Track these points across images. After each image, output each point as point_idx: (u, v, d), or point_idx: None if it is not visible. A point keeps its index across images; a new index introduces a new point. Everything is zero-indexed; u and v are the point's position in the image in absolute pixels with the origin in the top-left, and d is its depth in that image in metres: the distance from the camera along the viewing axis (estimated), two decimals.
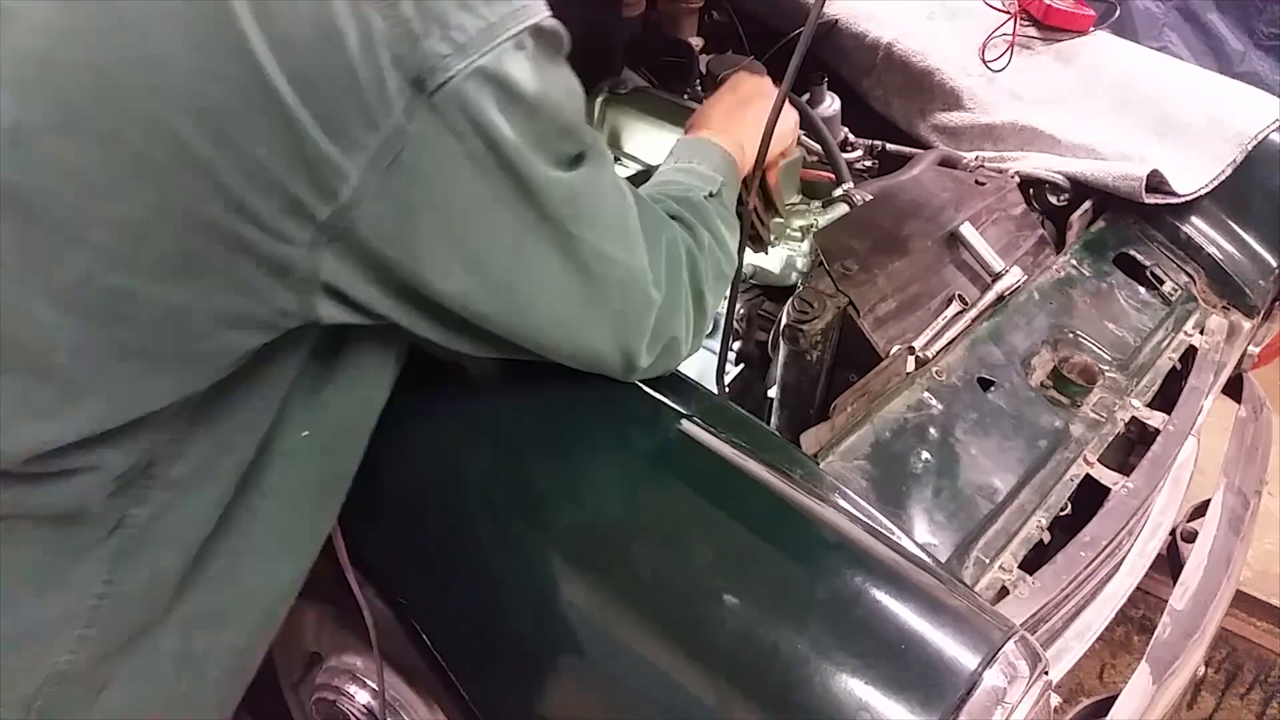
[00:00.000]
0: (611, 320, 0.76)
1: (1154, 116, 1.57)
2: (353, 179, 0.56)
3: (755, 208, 1.18)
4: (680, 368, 0.92)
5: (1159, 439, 1.19)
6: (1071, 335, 1.27)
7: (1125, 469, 1.14)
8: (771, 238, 1.27)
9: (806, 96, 1.57)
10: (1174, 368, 1.33)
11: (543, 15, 0.62)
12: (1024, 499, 1.04)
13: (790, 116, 1.19)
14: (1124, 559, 1.15)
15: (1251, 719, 1.90)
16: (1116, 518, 1.08)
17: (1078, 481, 1.09)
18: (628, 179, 0.81)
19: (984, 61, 1.70)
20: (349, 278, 0.61)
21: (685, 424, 0.85)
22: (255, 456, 0.70)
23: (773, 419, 1.20)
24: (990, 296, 1.26)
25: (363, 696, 1.11)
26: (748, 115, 1.08)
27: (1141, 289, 1.41)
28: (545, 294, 0.70)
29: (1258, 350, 1.54)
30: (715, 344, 1.16)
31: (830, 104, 1.60)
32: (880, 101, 1.76)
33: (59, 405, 0.59)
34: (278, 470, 0.72)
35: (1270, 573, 2.14)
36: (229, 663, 0.80)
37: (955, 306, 1.24)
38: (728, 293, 1.02)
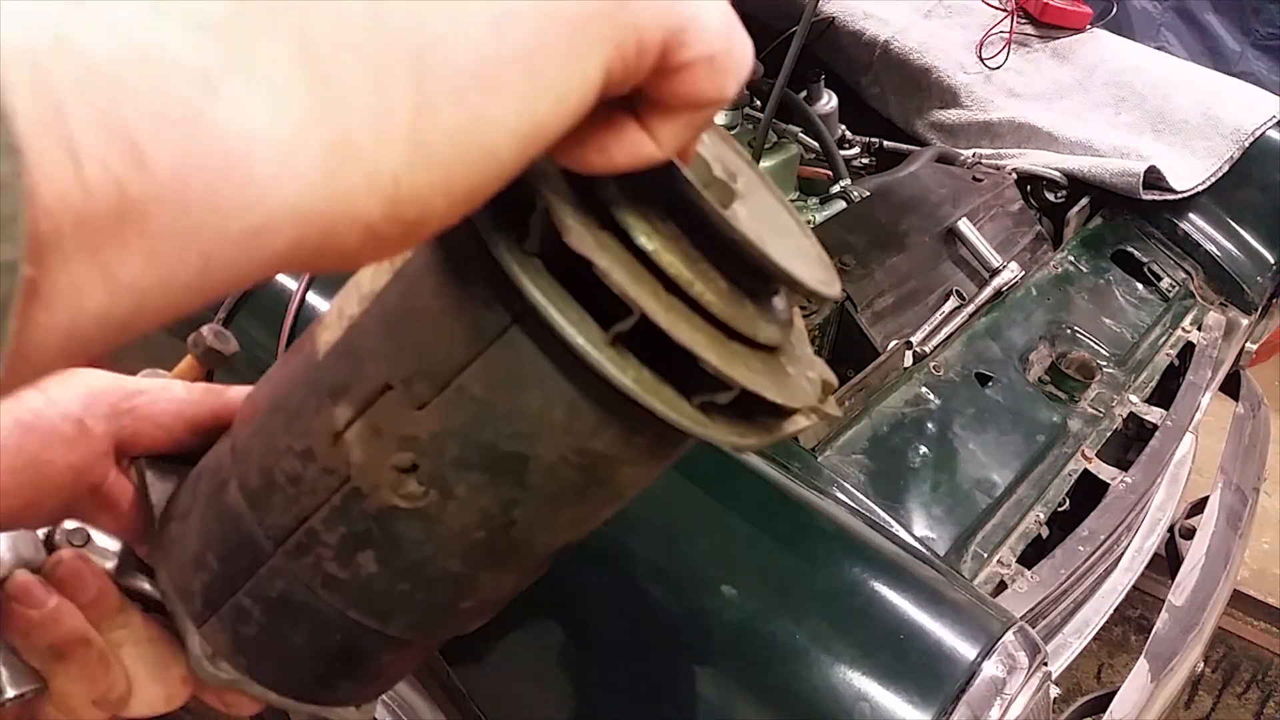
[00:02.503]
0: None
1: (1151, 113, 1.57)
2: None
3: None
4: None
5: (1157, 434, 1.19)
6: (1069, 331, 1.26)
7: (1123, 465, 1.14)
8: None
9: (804, 94, 1.57)
10: (1172, 364, 1.33)
11: None
12: (1022, 494, 1.04)
13: None
14: (1122, 554, 1.15)
15: (1249, 718, 1.89)
16: (1115, 513, 1.08)
17: (1076, 476, 1.09)
18: None
19: (981, 59, 1.70)
20: None
21: None
22: None
23: None
24: (988, 292, 1.26)
25: None
26: None
27: (1139, 285, 1.41)
28: None
29: (1255, 347, 1.53)
30: None
31: (827, 101, 1.59)
32: (878, 99, 1.76)
33: None
34: None
35: (1267, 572, 2.14)
36: None
37: (953, 302, 1.24)
38: None
